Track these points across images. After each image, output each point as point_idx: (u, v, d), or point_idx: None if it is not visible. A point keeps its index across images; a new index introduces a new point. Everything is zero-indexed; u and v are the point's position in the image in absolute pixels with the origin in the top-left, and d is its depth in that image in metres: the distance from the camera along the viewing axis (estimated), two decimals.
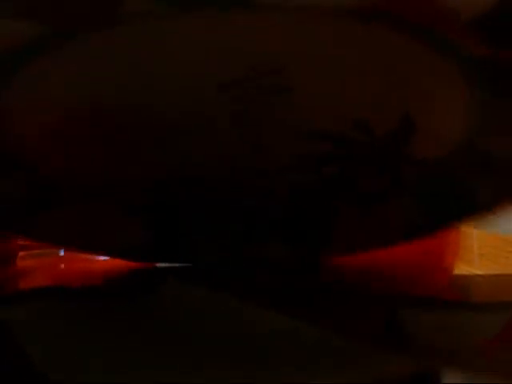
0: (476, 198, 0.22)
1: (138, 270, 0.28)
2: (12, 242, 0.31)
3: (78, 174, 0.21)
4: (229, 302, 0.21)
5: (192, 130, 0.19)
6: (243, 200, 0.23)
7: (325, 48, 0.15)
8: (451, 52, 0.15)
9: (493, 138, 0.18)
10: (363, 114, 0.18)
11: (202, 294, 0.23)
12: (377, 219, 0.23)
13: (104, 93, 0.17)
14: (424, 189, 0.21)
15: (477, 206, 0.22)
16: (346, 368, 0.15)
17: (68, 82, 0.17)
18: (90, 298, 0.22)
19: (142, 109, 0.18)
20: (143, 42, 0.15)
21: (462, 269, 0.30)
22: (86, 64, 0.16)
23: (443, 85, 0.17)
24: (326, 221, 0.24)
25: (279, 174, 0.21)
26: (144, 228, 0.25)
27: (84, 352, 0.16)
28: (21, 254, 0.32)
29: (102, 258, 0.31)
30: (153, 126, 0.19)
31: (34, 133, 0.19)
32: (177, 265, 0.29)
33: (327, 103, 0.18)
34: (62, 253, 0.33)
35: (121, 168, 0.21)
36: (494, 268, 0.31)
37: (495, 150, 0.18)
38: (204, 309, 0.21)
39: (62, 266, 0.30)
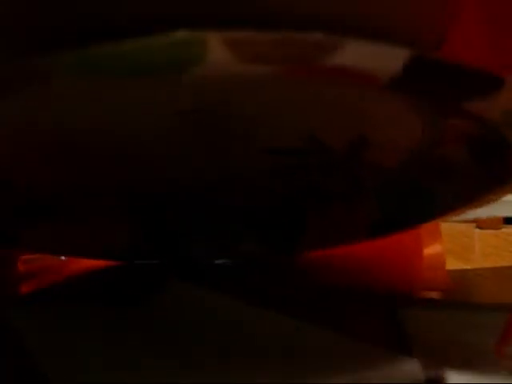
0: (436, 200, 0.22)
1: (138, 270, 0.28)
2: None
3: (69, 186, 0.21)
4: (228, 302, 0.21)
5: (162, 148, 0.19)
6: (222, 200, 0.23)
7: (277, 91, 0.16)
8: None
9: (445, 146, 0.19)
10: (319, 135, 0.19)
11: (202, 293, 0.23)
12: (340, 218, 0.24)
13: (74, 131, 0.17)
14: (385, 191, 0.22)
15: (437, 208, 0.23)
16: (347, 369, 0.15)
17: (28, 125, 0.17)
18: (91, 299, 0.22)
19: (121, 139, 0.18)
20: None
21: (463, 268, 0.30)
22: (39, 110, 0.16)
23: (397, 112, 0.17)
24: (295, 221, 0.25)
25: (251, 181, 0.21)
26: (141, 228, 0.25)
27: (84, 352, 0.16)
28: (23, 257, 0.32)
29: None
30: (138, 150, 0.19)
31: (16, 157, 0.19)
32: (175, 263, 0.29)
33: (285, 128, 0.18)
34: (62, 256, 0.33)
35: (113, 176, 0.21)
36: (496, 267, 0.31)
37: (449, 157, 0.19)
38: (204, 308, 0.21)
39: (64, 268, 0.30)
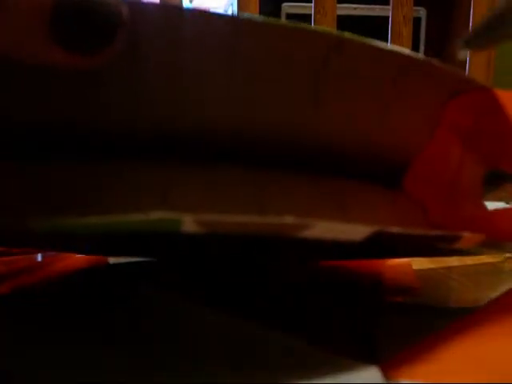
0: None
1: (119, 270, 0.28)
2: None
3: None
4: (210, 304, 0.21)
5: None
6: None
7: None
8: None
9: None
10: None
11: (185, 295, 0.23)
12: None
13: None
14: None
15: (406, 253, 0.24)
16: (305, 375, 0.15)
17: None
18: (69, 299, 0.22)
19: None
20: None
21: (438, 266, 0.30)
22: None
23: None
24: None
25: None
26: None
27: (58, 355, 0.16)
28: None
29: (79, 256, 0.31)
30: None
31: None
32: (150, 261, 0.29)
33: None
34: (39, 258, 0.33)
35: None
36: (469, 264, 0.31)
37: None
38: (186, 310, 0.21)
39: (40, 270, 0.30)
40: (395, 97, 0.16)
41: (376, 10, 1.30)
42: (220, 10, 0.14)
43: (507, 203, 0.38)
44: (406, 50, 0.15)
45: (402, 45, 0.71)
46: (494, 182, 0.20)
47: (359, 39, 0.15)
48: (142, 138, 0.14)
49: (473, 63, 0.73)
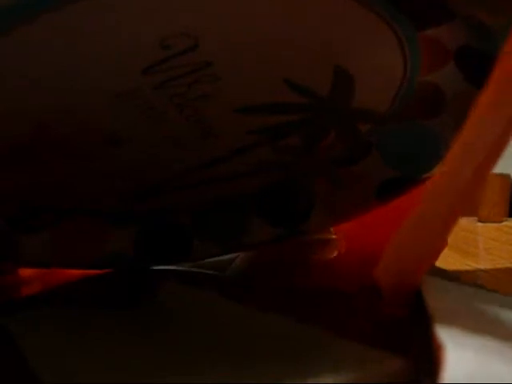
0: (440, 143, 0.21)
1: (136, 272, 0.28)
2: None
3: (58, 193, 0.21)
4: (224, 303, 0.21)
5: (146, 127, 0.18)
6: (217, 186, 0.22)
7: (243, 16, 0.15)
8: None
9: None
10: (297, 76, 0.17)
11: (199, 295, 0.23)
12: (347, 184, 0.23)
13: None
14: (387, 143, 0.21)
15: (442, 153, 0.22)
16: (336, 367, 0.15)
17: None
18: (91, 303, 0.22)
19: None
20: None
21: (467, 264, 0.30)
22: None
23: (378, 42, 0.16)
24: (301, 195, 0.24)
25: (240, 156, 0.20)
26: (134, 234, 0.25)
27: (83, 358, 0.16)
28: None
29: None
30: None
31: None
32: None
33: (258, 74, 0.18)
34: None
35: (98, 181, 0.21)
36: (499, 262, 0.31)
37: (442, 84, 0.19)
38: (200, 310, 0.20)
39: (63, 272, 0.30)
40: None
41: None
42: None
43: None
44: None
45: None
46: None
47: None
48: None
49: None
